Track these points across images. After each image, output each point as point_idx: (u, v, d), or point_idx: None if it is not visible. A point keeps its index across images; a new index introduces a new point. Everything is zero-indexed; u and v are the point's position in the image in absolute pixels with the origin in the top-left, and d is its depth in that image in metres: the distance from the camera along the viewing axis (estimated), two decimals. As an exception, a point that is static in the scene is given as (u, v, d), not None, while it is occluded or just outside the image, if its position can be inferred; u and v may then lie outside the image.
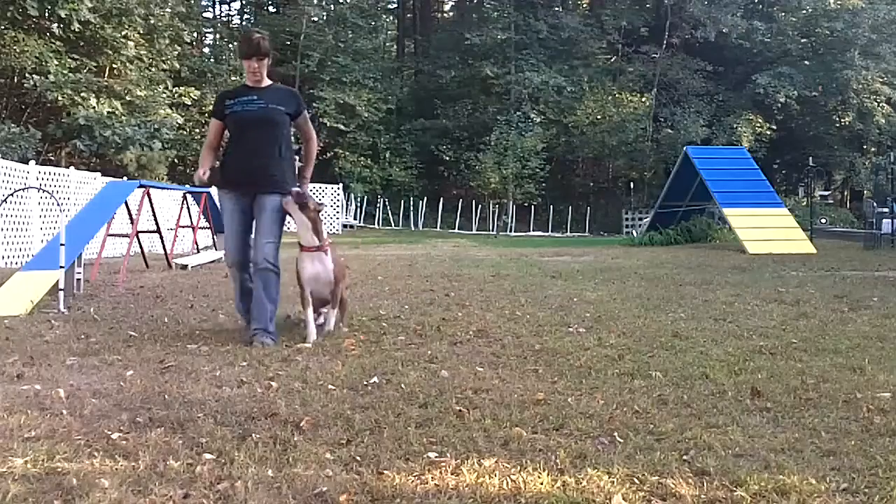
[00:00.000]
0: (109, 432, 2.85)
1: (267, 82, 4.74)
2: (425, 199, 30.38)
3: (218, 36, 31.63)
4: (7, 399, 3.36)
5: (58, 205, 7.52)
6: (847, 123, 34.25)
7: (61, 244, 6.35)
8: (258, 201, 4.62)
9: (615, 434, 2.85)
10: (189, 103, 22.90)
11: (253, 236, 4.72)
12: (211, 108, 5.05)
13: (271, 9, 35.01)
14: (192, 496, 2.30)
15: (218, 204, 4.70)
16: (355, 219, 29.01)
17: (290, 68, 29.74)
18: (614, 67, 35.17)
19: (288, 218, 4.71)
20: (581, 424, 2.98)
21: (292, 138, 4.83)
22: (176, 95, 21.92)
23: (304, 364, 4.05)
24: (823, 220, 26.90)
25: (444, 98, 32.97)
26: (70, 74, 17.81)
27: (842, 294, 7.06)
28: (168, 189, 14.45)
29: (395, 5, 40.25)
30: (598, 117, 31.50)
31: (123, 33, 19.47)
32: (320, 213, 4.65)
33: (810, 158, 22.93)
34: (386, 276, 8.93)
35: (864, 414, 3.08)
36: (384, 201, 29.87)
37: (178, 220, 12.01)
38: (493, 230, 28.89)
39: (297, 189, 4.58)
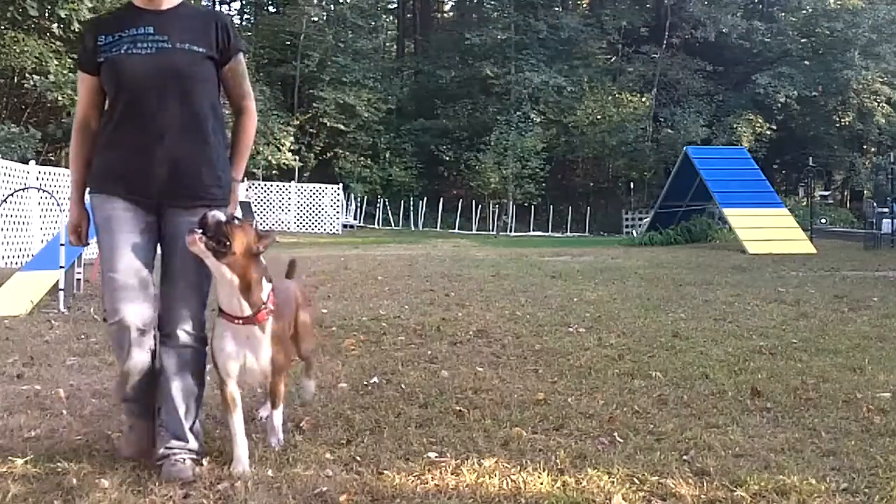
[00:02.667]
0: (109, 432, 2.86)
1: (172, 1, 2.63)
2: (425, 199, 30.36)
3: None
4: (7, 399, 3.36)
5: (58, 205, 7.53)
6: (847, 123, 34.22)
7: (61, 244, 6.35)
8: (170, 222, 2.59)
9: (615, 434, 2.85)
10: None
11: (159, 284, 2.64)
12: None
13: (271, 9, 35.00)
14: (192, 496, 2.30)
15: (93, 213, 2.63)
16: (355, 219, 28.99)
17: (290, 68, 29.75)
18: (614, 67, 35.15)
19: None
20: (581, 424, 2.98)
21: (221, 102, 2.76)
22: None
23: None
24: (823, 221, 26.88)
25: (444, 98, 32.95)
26: (70, 74, 17.78)
27: (842, 294, 7.06)
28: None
29: (395, 5, 40.23)
30: (598, 117, 31.47)
31: (123, 33, 19.45)
32: (260, 255, 2.51)
33: (810, 158, 22.91)
34: (386, 276, 8.93)
35: (864, 414, 3.09)
36: (384, 201, 29.86)
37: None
38: (493, 230, 28.86)
39: (214, 214, 2.43)
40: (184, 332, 2.59)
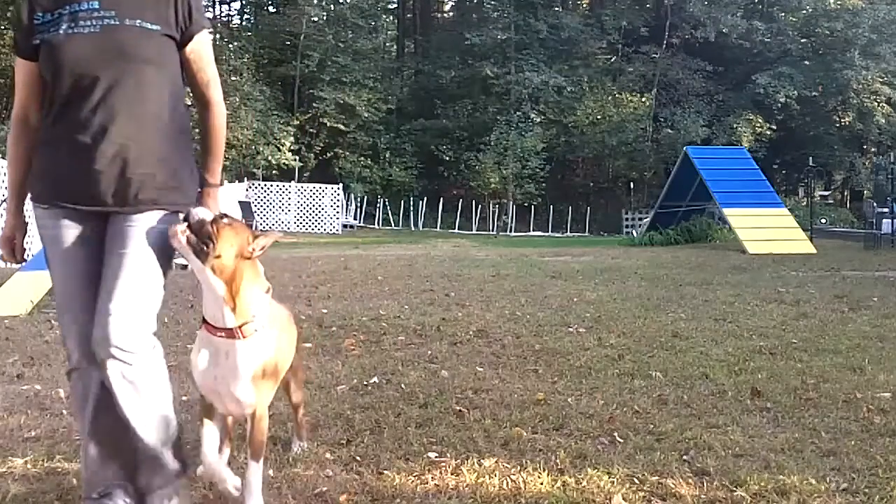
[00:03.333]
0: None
1: None
2: (425, 199, 30.35)
3: (218, 36, 31.61)
4: (7, 399, 3.36)
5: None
6: (847, 123, 34.23)
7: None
8: (113, 228, 2.17)
9: (615, 434, 2.85)
10: (189, 103, 22.89)
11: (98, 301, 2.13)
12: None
13: (271, 9, 34.98)
14: (192, 496, 2.30)
15: (39, 232, 2.24)
16: (355, 219, 28.99)
17: (290, 68, 29.75)
18: (614, 67, 35.15)
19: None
20: (581, 424, 2.98)
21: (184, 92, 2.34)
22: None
23: (304, 364, 4.05)
24: (823, 221, 26.87)
25: (444, 98, 32.95)
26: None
27: (842, 294, 7.06)
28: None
29: (395, 5, 40.21)
30: (598, 117, 31.47)
31: (123, 33, 19.46)
32: (254, 259, 2.17)
33: (810, 158, 22.88)
34: (386, 276, 8.93)
35: (864, 414, 3.09)
36: (384, 201, 29.86)
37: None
38: (493, 230, 28.86)
39: (198, 212, 2.11)
40: (119, 349, 2.05)
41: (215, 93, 2.31)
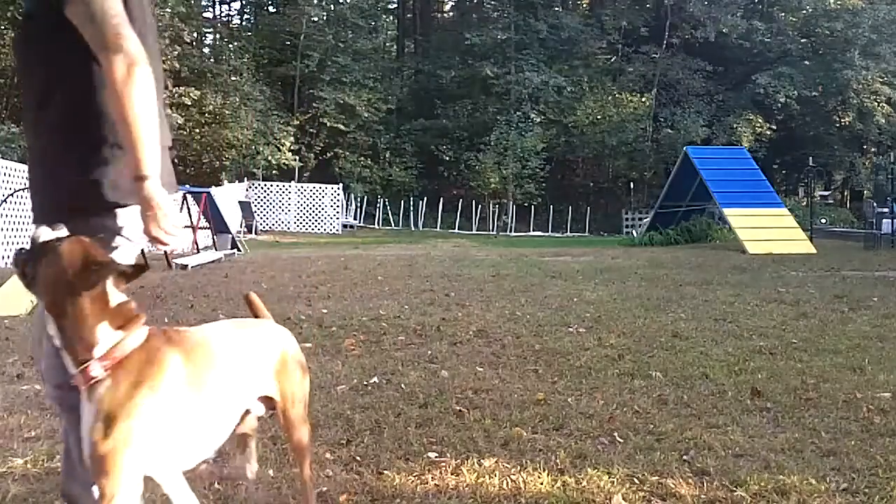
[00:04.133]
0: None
1: None
2: (425, 199, 30.35)
3: (218, 36, 31.63)
4: (7, 399, 3.36)
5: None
6: (847, 123, 34.22)
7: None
8: None
9: (615, 434, 2.85)
10: (189, 103, 22.93)
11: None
12: None
13: (271, 9, 34.98)
14: None
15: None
16: (355, 219, 28.99)
17: (290, 68, 29.74)
18: (614, 67, 35.15)
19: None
20: (581, 424, 2.98)
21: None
22: (176, 95, 21.92)
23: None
24: (823, 221, 26.87)
25: (444, 98, 32.95)
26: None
27: (842, 294, 7.06)
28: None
29: (395, 5, 40.21)
30: (598, 117, 31.48)
31: (123, 33, 19.44)
32: (89, 289, 1.59)
33: (810, 158, 22.87)
34: (386, 276, 8.93)
35: (864, 414, 3.09)
36: (384, 201, 29.86)
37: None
38: (493, 230, 28.86)
39: (38, 231, 1.66)
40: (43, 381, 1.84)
41: (109, 52, 1.69)
